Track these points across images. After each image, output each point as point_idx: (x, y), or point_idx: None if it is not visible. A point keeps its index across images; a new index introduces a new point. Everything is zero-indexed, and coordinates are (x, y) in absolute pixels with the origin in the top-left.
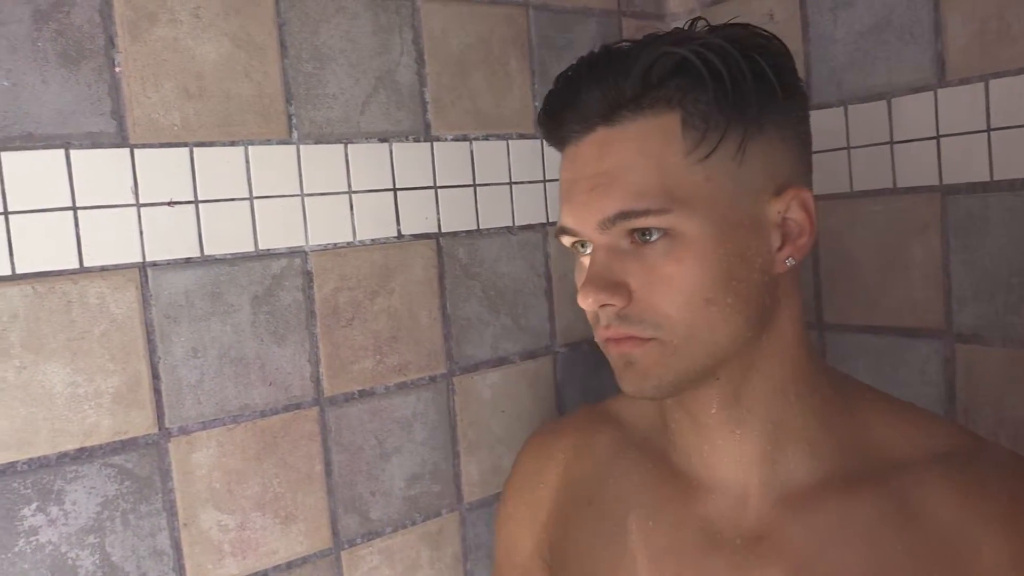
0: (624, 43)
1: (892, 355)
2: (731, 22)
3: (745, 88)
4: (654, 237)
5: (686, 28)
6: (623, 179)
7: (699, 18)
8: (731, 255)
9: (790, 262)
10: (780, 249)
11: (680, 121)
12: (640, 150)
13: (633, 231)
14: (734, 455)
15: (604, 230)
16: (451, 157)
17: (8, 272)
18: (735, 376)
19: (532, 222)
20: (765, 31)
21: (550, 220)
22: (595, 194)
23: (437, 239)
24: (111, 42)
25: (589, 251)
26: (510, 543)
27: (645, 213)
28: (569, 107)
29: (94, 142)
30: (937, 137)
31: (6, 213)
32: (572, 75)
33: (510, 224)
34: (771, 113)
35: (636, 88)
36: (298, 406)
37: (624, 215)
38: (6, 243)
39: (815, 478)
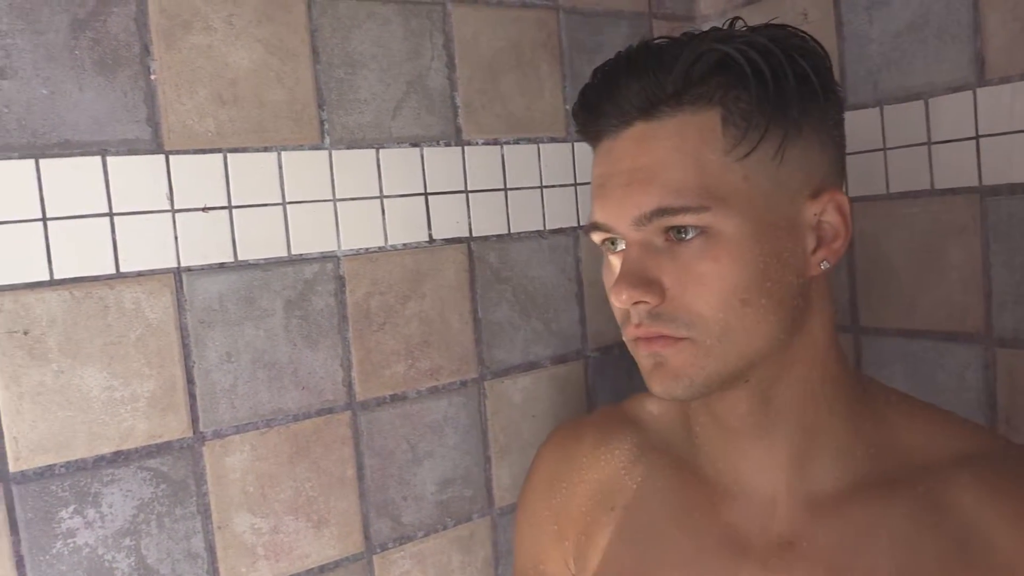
0: (663, 39)
1: (930, 360)
2: (770, 23)
3: (787, 88)
4: (690, 235)
5: (725, 28)
6: (661, 175)
7: (737, 18)
8: (767, 255)
9: (824, 265)
10: (814, 252)
11: (720, 119)
12: (679, 146)
13: (668, 229)
14: (762, 460)
15: (639, 226)
16: (482, 161)
17: (46, 277)
18: (765, 379)
19: (563, 226)
20: (803, 32)
21: (581, 224)
22: (631, 189)
23: (468, 243)
24: (146, 50)
25: (620, 248)
26: (534, 550)
27: (683, 210)
28: (607, 100)
29: (130, 149)
30: (976, 137)
31: (44, 219)
32: (611, 69)
33: (541, 228)
34: (811, 115)
35: (677, 83)
36: (330, 410)
37: (661, 212)
38: (44, 249)
39: (844, 483)
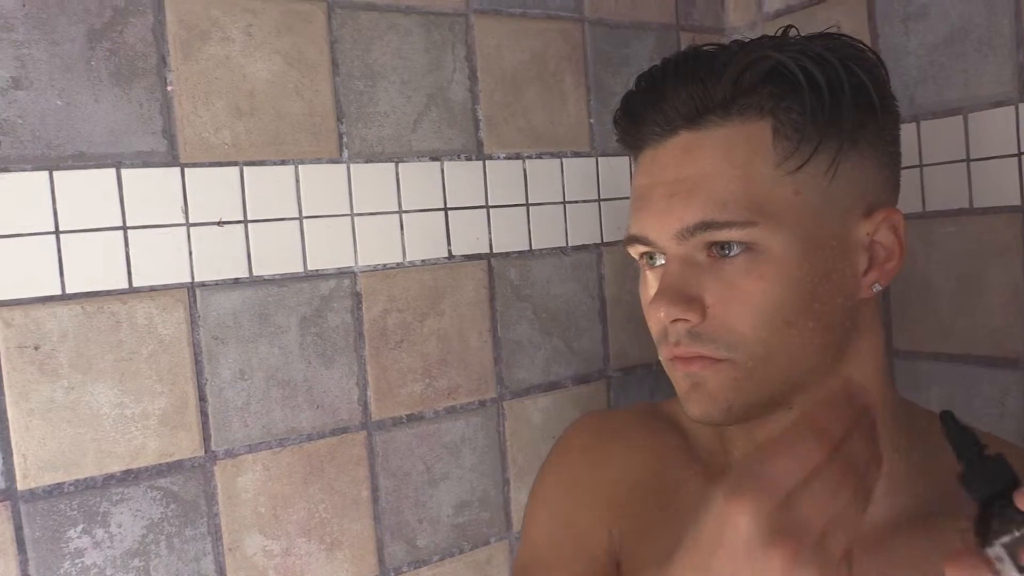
0: (712, 46)
1: (967, 385)
2: (826, 31)
3: (842, 100)
4: (734, 251)
5: (778, 35)
6: (706, 187)
7: (791, 26)
8: (816, 275)
9: (876, 288)
10: (866, 273)
11: (771, 130)
12: (726, 157)
13: (712, 244)
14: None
15: (681, 240)
16: (504, 176)
17: (58, 291)
18: (810, 405)
19: (586, 242)
20: (860, 42)
21: (604, 240)
22: (675, 201)
23: (488, 260)
24: (163, 61)
25: (659, 263)
26: (568, 519)
27: (728, 225)
28: (651, 107)
29: (145, 161)
30: (1019, 154)
31: (57, 232)
32: (656, 75)
33: (563, 244)
34: (867, 128)
35: (727, 91)
36: (345, 430)
37: (705, 225)
38: (57, 262)
39: (892, 514)
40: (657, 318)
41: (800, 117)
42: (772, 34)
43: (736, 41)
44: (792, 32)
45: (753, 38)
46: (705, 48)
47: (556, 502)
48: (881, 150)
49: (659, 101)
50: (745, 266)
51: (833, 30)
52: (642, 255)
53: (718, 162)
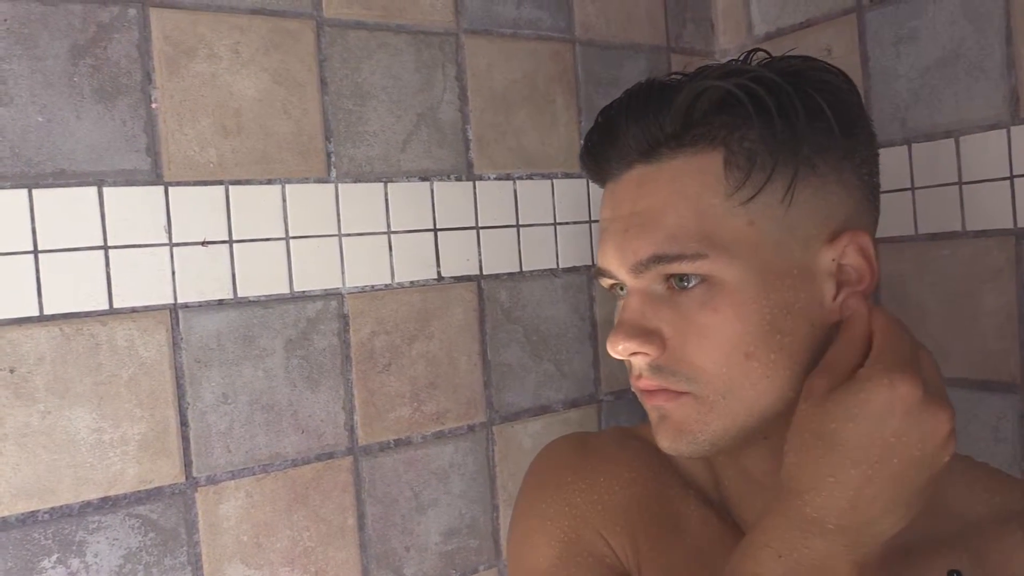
0: (674, 75)
1: (962, 410)
2: (789, 54)
3: (797, 125)
4: (692, 284)
5: (740, 60)
6: (658, 220)
7: (757, 49)
8: (775, 307)
9: (847, 312)
10: (835, 298)
11: (723, 160)
12: (678, 190)
13: (669, 276)
14: None
15: (638, 273)
16: (494, 196)
17: (35, 313)
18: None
19: (577, 264)
20: (828, 64)
21: (595, 262)
22: (629, 235)
23: (478, 281)
24: (148, 77)
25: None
26: (573, 540)
27: (679, 258)
28: (609, 143)
29: (128, 179)
30: (1011, 177)
31: (36, 252)
32: (614, 109)
33: (554, 266)
34: (827, 152)
35: (676, 124)
36: (331, 455)
37: (657, 259)
38: (35, 283)
39: (892, 542)
40: (615, 351)
41: (752, 145)
42: (736, 59)
43: (702, 67)
44: (759, 55)
45: (706, 66)
46: (662, 80)
47: (555, 525)
48: (848, 173)
49: (615, 136)
50: (700, 298)
51: (823, 54)
52: (611, 286)
53: (670, 195)
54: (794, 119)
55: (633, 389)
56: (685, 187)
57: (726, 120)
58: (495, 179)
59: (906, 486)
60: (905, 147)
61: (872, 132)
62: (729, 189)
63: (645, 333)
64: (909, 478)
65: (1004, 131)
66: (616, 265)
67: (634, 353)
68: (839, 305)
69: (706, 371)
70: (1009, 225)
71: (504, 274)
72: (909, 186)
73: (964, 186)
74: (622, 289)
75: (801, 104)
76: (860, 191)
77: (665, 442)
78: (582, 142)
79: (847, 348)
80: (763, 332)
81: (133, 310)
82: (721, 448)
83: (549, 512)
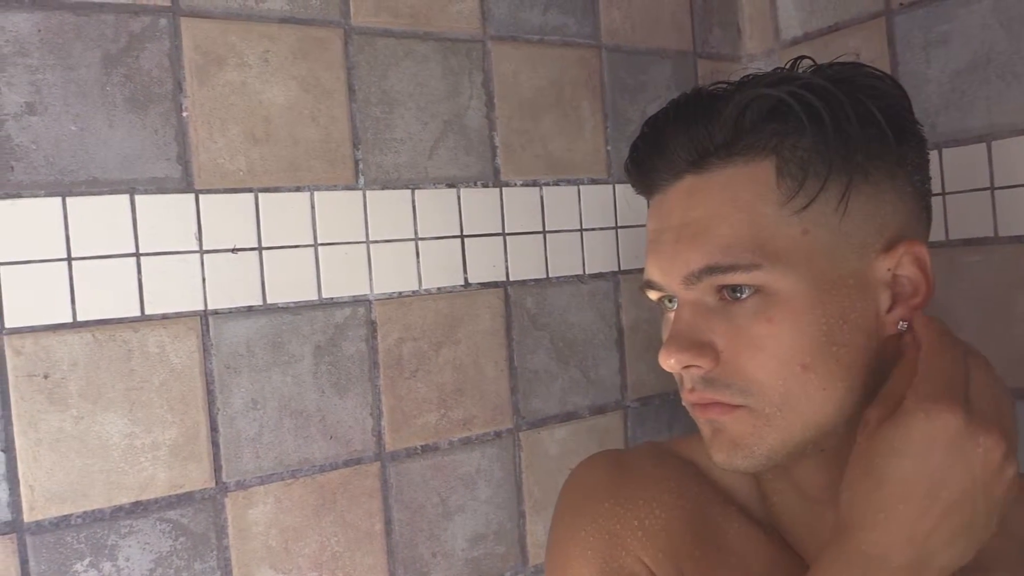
0: (720, 84)
1: None
2: (839, 60)
3: (850, 132)
4: (745, 294)
5: (788, 67)
6: (711, 231)
7: (802, 57)
8: (831, 317)
9: (902, 326)
10: (890, 310)
11: (775, 169)
12: (730, 200)
13: (722, 287)
14: None
15: (690, 285)
16: (520, 203)
17: (69, 319)
18: (845, 448)
19: (603, 270)
20: (878, 70)
21: (622, 268)
22: (680, 246)
23: (505, 288)
24: (179, 86)
25: (676, 306)
26: (618, 570)
27: (733, 268)
28: (656, 153)
29: (159, 187)
30: None
31: (69, 259)
32: (660, 119)
33: (580, 272)
34: (880, 160)
35: (727, 133)
36: (359, 461)
37: (710, 270)
38: (68, 290)
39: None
40: (667, 365)
41: (805, 153)
42: (782, 66)
43: (748, 75)
44: (806, 63)
45: (754, 74)
46: (709, 89)
47: (596, 555)
48: (901, 180)
49: (663, 147)
50: (754, 309)
51: (851, 58)
52: (660, 299)
53: (722, 205)
54: (847, 126)
55: (684, 403)
56: (737, 196)
57: (777, 128)
58: (522, 185)
59: (964, 517)
60: (936, 152)
61: (923, 138)
62: (782, 198)
63: (698, 346)
64: (966, 510)
65: None
66: (666, 276)
67: (687, 366)
68: (895, 318)
69: (761, 383)
70: None
71: (531, 280)
72: (940, 191)
73: (996, 191)
74: (671, 301)
75: (853, 111)
76: (914, 199)
77: (720, 456)
78: (628, 153)
79: (900, 376)
80: (819, 343)
81: (164, 316)
82: (777, 462)
83: (588, 541)
